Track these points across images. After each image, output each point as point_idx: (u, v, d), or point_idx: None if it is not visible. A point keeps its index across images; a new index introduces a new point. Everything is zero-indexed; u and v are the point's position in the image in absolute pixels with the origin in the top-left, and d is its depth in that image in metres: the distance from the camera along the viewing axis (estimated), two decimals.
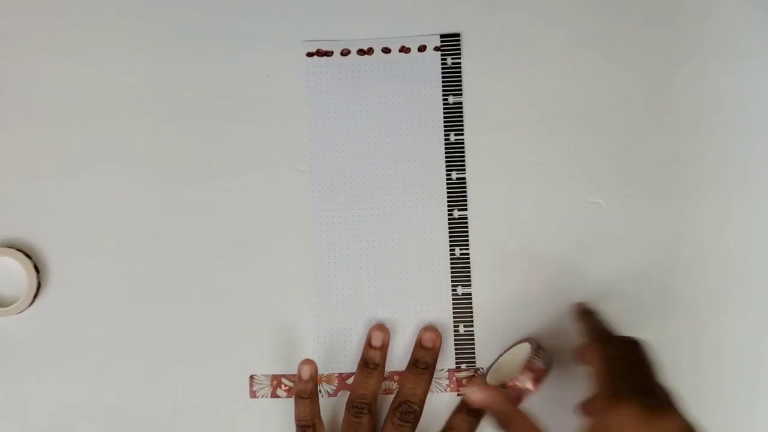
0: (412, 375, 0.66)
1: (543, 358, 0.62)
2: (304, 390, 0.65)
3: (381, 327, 0.67)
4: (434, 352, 0.66)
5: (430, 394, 0.66)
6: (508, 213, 0.68)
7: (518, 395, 0.61)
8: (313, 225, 0.68)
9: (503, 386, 0.61)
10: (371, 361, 0.66)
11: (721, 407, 0.66)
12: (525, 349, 0.63)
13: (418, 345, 0.67)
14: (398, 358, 0.68)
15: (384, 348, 0.67)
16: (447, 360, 0.67)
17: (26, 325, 0.68)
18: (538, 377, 0.61)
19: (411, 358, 0.67)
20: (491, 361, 0.67)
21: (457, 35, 0.69)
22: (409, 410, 0.64)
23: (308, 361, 0.66)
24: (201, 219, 0.68)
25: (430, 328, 0.67)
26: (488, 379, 0.65)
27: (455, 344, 0.67)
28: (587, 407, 0.61)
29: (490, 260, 0.68)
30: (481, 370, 0.67)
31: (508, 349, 0.66)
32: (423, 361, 0.66)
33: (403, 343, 0.68)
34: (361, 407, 0.64)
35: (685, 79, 0.68)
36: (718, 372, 0.66)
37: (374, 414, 0.65)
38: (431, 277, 0.68)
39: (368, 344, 0.67)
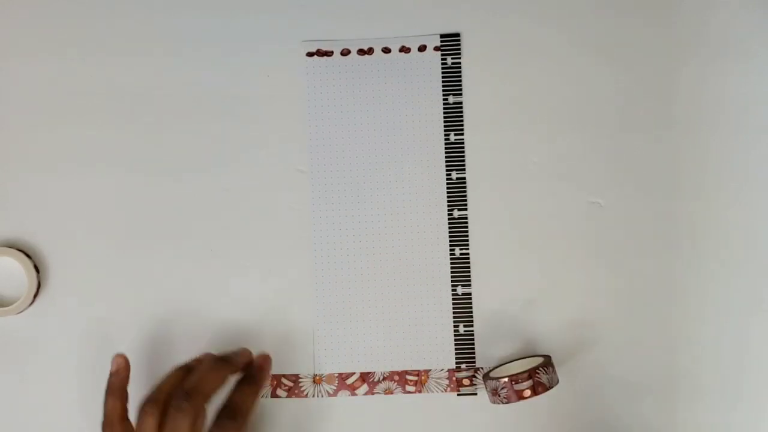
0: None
1: (549, 375, 0.62)
2: (109, 385, 0.63)
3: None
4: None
5: (430, 395, 0.67)
6: (508, 213, 0.68)
7: (509, 396, 0.61)
8: (313, 225, 0.68)
9: (503, 380, 0.62)
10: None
11: (718, 405, 0.66)
12: (537, 361, 0.64)
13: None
14: (397, 357, 0.68)
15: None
16: (447, 360, 0.67)
17: (26, 325, 0.68)
18: (536, 389, 0.61)
19: None
20: (499, 363, 0.67)
21: (457, 35, 0.69)
22: None
23: (119, 355, 0.64)
24: (201, 219, 0.68)
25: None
26: (492, 373, 0.65)
27: (455, 344, 0.67)
28: None
29: (490, 260, 0.68)
30: (481, 369, 0.67)
31: (522, 357, 0.66)
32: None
33: (401, 343, 0.68)
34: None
35: (686, 80, 0.68)
36: (715, 372, 0.66)
37: None
38: (431, 277, 0.68)
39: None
